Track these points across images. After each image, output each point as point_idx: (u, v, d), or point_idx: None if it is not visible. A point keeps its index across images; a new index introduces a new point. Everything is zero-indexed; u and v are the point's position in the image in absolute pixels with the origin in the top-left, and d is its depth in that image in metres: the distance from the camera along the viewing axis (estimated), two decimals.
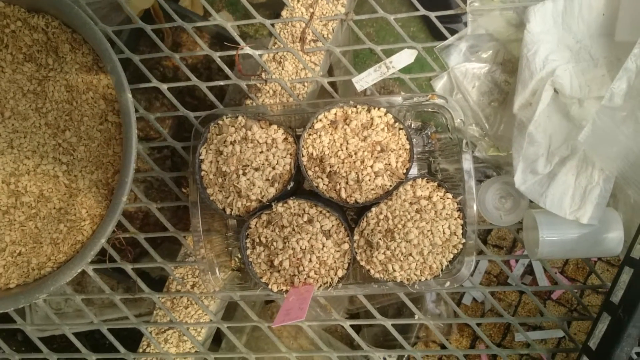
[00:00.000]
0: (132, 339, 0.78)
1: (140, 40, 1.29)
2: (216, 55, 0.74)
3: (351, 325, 0.73)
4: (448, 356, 1.29)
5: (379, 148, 0.60)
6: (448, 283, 0.62)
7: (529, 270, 1.38)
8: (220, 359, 0.73)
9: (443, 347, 1.29)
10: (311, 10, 0.74)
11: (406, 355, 1.23)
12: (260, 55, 0.74)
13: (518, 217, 0.69)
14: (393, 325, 0.72)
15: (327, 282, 0.62)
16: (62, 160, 0.67)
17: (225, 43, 0.74)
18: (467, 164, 0.63)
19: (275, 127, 0.62)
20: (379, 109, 0.61)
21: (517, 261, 1.38)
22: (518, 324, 0.73)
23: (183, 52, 0.74)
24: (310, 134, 0.61)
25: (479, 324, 1.30)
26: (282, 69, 0.74)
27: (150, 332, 0.75)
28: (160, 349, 0.74)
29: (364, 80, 0.72)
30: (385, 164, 0.60)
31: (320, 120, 0.61)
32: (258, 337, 1.14)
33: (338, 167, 0.60)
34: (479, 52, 0.71)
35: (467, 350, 0.76)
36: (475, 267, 1.35)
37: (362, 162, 0.60)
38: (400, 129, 0.61)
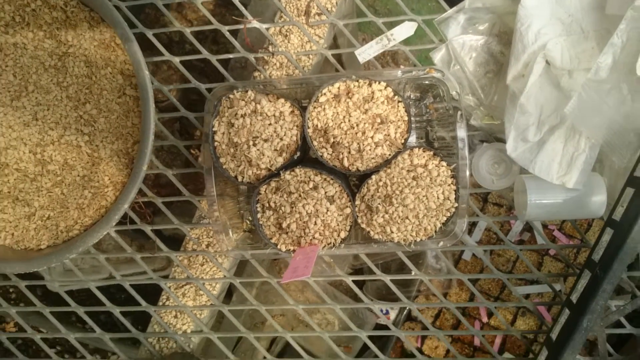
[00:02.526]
0: (143, 292, 0.84)
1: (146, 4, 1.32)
2: (225, 29, 0.78)
3: (354, 281, 0.79)
4: (447, 308, 1.36)
5: (379, 120, 0.64)
6: (442, 243, 0.67)
7: (528, 227, 1.43)
8: (233, 311, 0.80)
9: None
10: None
11: (407, 308, 1.30)
12: (267, 29, 0.78)
13: (509, 182, 0.74)
14: (392, 280, 0.78)
15: (330, 243, 0.67)
16: (84, 131, 0.72)
17: (233, 17, 0.77)
18: (461, 132, 0.67)
19: (282, 100, 0.67)
20: (379, 83, 0.65)
21: (510, 221, 1.43)
22: (516, 279, 0.78)
23: (193, 27, 0.77)
24: (315, 107, 0.66)
25: (476, 280, 1.37)
26: (288, 42, 0.78)
27: (169, 288, 0.82)
28: (179, 302, 0.81)
29: (366, 53, 0.76)
30: (385, 134, 0.65)
31: (325, 94, 0.65)
32: (267, 290, 1.21)
33: (341, 138, 0.65)
34: (476, 24, 0.75)
35: (461, 303, 0.82)
36: (475, 226, 1.41)
37: (364, 133, 0.64)
38: (399, 101, 0.65)
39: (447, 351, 1.34)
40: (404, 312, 1.31)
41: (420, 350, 1.35)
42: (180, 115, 0.79)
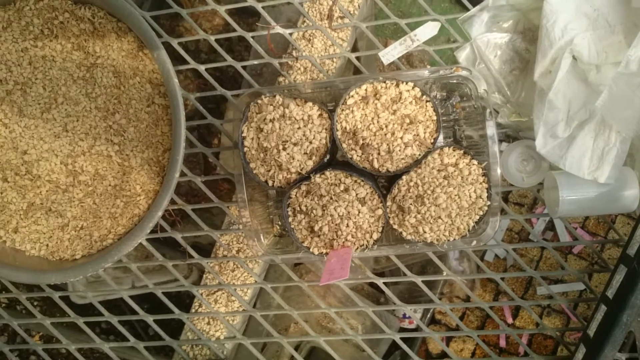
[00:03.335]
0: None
1: (162, 8, 1.33)
2: (249, 36, 0.78)
3: (375, 283, 0.79)
4: (472, 310, 1.36)
5: (407, 120, 0.64)
6: (475, 242, 0.67)
7: (550, 225, 1.42)
8: (265, 316, 0.80)
9: (467, 301, 1.35)
10: None
11: (431, 310, 1.30)
12: (291, 34, 0.78)
13: (539, 179, 0.73)
14: (415, 283, 0.78)
15: (363, 245, 0.68)
16: (114, 141, 0.73)
17: (257, 24, 0.78)
18: (491, 130, 0.67)
19: (310, 104, 0.67)
20: (406, 84, 0.65)
21: (537, 219, 1.42)
22: (540, 277, 0.78)
23: (218, 35, 0.78)
24: (343, 110, 0.66)
25: (502, 279, 1.37)
26: (312, 46, 0.78)
27: (201, 294, 0.82)
28: (211, 308, 0.81)
29: (390, 54, 0.76)
30: (414, 134, 0.65)
31: (352, 96, 0.66)
32: (289, 297, 1.21)
33: (370, 139, 0.65)
34: (500, 22, 0.75)
35: (491, 303, 0.82)
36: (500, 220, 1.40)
37: (393, 134, 0.64)
38: (427, 101, 0.65)
39: (473, 353, 1.33)
40: (427, 316, 1.31)
41: (445, 353, 1.34)
42: (205, 122, 0.79)
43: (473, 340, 1.33)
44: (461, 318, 1.37)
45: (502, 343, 1.32)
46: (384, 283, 0.79)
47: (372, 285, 1.28)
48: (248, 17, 1.22)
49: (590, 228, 1.42)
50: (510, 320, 1.33)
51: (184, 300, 1.29)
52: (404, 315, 1.29)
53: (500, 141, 1.19)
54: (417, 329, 1.27)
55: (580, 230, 1.35)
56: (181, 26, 1.30)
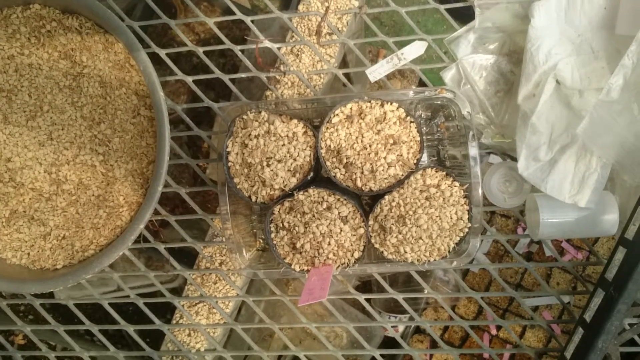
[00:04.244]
0: (152, 306, 0.85)
1: (153, 16, 1.33)
2: (237, 49, 0.78)
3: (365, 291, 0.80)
4: (460, 326, 1.36)
5: (391, 141, 0.65)
6: (455, 262, 0.68)
7: None
8: (247, 329, 0.80)
9: (451, 313, 1.36)
10: (326, 4, 0.78)
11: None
12: (279, 49, 0.79)
13: (521, 200, 0.74)
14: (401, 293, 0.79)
15: (344, 263, 0.68)
16: (99, 151, 0.73)
17: (245, 37, 0.78)
18: (474, 151, 0.68)
19: (295, 121, 0.67)
20: (391, 104, 0.66)
21: (524, 230, 1.43)
22: (524, 289, 0.79)
23: (207, 47, 0.78)
24: (328, 128, 0.66)
25: (484, 296, 1.37)
26: (300, 61, 0.78)
27: (183, 306, 0.82)
28: (192, 320, 0.81)
29: (376, 72, 0.76)
30: (398, 155, 0.65)
31: (337, 115, 0.66)
32: (274, 303, 1.21)
33: (354, 158, 0.65)
34: (486, 43, 0.75)
35: (472, 322, 0.82)
36: (482, 240, 1.40)
37: (376, 153, 0.65)
38: (411, 122, 0.66)
39: None
40: (412, 326, 1.31)
41: None
42: (191, 133, 0.80)
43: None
44: (446, 328, 1.38)
45: (486, 354, 1.33)
46: (366, 299, 0.80)
47: (359, 288, 1.28)
48: (241, 21, 1.22)
49: (576, 242, 1.43)
50: (494, 332, 1.33)
51: (168, 304, 1.29)
52: (390, 317, 1.30)
53: (488, 153, 1.19)
54: (404, 334, 1.28)
55: (565, 244, 1.36)
56: (173, 30, 1.30)
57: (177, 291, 1.21)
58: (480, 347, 0.80)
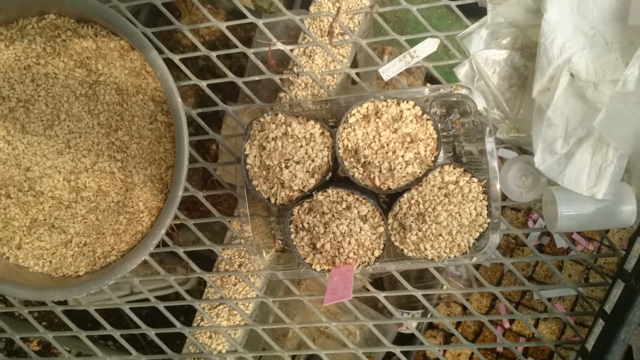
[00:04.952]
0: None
1: (158, 18, 1.33)
2: (250, 52, 0.79)
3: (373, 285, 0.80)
4: (469, 314, 1.37)
5: (408, 139, 0.65)
6: (475, 258, 0.68)
7: (547, 231, 1.43)
8: (267, 330, 0.81)
9: (463, 306, 1.36)
10: (337, 4, 0.78)
11: (429, 314, 1.31)
12: (292, 50, 0.79)
13: (537, 194, 0.74)
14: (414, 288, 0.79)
15: (365, 262, 0.68)
16: (117, 158, 0.74)
17: (258, 40, 0.78)
18: (490, 146, 0.68)
19: (312, 122, 0.68)
20: (407, 102, 0.66)
21: (534, 222, 1.43)
22: (536, 282, 0.79)
23: (219, 51, 0.78)
24: (345, 128, 0.67)
25: (496, 285, 1.38)
26: (313, 62, 0.79)
27: (203, 308, 0.83)
28: (213, 322, 0.82)
29: (390, 70, 0.77)
30: (415, 153, 0.65)
31: (354, 114, 0.66)
32: (288, 302, 1.22)
33: (372, 157, 0.66)
34: (499, 38, 0.75)
35: (491, 316, 0.82)
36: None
37: (394, 152, 0.65)
38: (427, 119, 0.66)
39: (470, 357, 1.34)
40: (428, 320, 1.32)
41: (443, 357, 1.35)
42: (206, 137, 0.80)
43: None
44: (459, 323, 1.38)
45: (499, 348, 1.33)
46: (385, 297, 0.80)
47: (371, 285, 1.29)
48: (247, 23, 1.23)
49: (586, 233, 1.43)
50: (507, 325, 1.34)
51: (181, 307, 1.30)
52: (402, 314, 1.30)
53: (498, 148, 1.20)
54: (418, 329, 1.29)
55: (576, 235, 1.37)
56: (179, 32, 1.30)
57: (190, 293, 1.22)
58: (496, 341, 0.80)
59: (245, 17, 0.80)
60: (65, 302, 0.85)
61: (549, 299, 1.34)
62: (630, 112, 0.64)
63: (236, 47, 0.80)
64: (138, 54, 0.73)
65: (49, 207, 0.74)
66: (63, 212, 0.74)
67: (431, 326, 1.38)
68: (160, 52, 0.80)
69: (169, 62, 0.80)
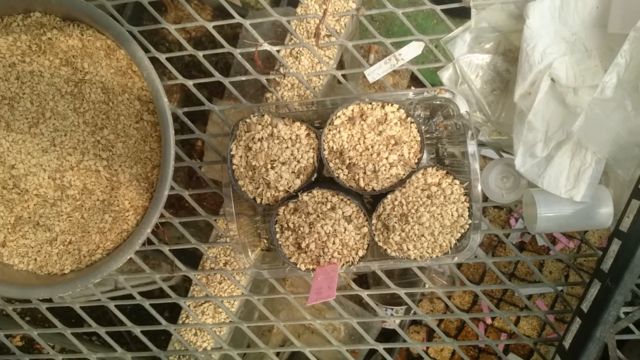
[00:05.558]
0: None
1: (143, 14, 1.32)
2: (237, 52, 0.79)
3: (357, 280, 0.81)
4: (452, 311, 1.39)
5: (393, 141, 0.66)
6: (456, 258, 0.69)
7: None
8: (253, 327, 0.82)
9: (447, 304, 1.38)
10: (324, 7, 0.79)
11: (412, 311, 1.33)
12: (278, 51, 0.80)
13: (518, 196, 0.76)
14: (397, 285, 0.80)
15: (349, 261, 0.70)
16: (102, 156, 0.74)
17: (245, 41, 0.79)
18: (472, 148, 0.69)
19: (298, 123, 0.68)
20: (392, 105, 0.67)
21: (516, 220, 1.45)
22: (518, 279, 0.81)
23: (206, 51, 0.79)
24: (330, 130, 0.68)
25: (479, 282, 1.40)
26: (299, 63, 0.79)
27: (189, 306, 0.83)
28: (199, 320, 0.82)
29: (375, 72, 0.78)
30: (399, 155, 0.67)
31: (339, 117, 0.67)
32: (272, 298, 1.23)
33: (356, 159, 0.67)
34: (482, 43, 0.77)
35: (472, 314, 0.84)
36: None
37: (378, 154, 0.66)
38: (411, 122, 0.67)
39: (452, 353, 1.36)
40: (411, 318, 1.33)
41: (426, 353, 1.37)
42: (192, 137, 0.80)
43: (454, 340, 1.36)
44: (441, 320, 1.40)
45: (482, 344, 1.36)
46: (361, 285, 0.81)
47: (355, 281, 1.30)
48: (233, 19, 1.23)
49: (568, 232, 1.46)
50: (489, 321, 1.36)
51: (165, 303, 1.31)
52: (390, 314, 1.32)
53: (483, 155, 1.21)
54: (401, 325, 1.31)
55: (557, 233, 1.39)
56: (164, 29, 1.30)
57: (175, 288, 1.22)
58: (477, 338, 0.82)
59: (231, 16, 0.80)
60: (50, 300, 0.85)
61: (531, 295, 1.36)
62: (608, 118, 0.66)
63: (222, 46, 0.80)
64: (124, 53, 0.73)
65: (34, 205, 0.74)
66: (48, 210, 0.74)
67: (414, 322, 1.40)
68: (147, 50, 0.80)
69: (154, 60, 0.81)
